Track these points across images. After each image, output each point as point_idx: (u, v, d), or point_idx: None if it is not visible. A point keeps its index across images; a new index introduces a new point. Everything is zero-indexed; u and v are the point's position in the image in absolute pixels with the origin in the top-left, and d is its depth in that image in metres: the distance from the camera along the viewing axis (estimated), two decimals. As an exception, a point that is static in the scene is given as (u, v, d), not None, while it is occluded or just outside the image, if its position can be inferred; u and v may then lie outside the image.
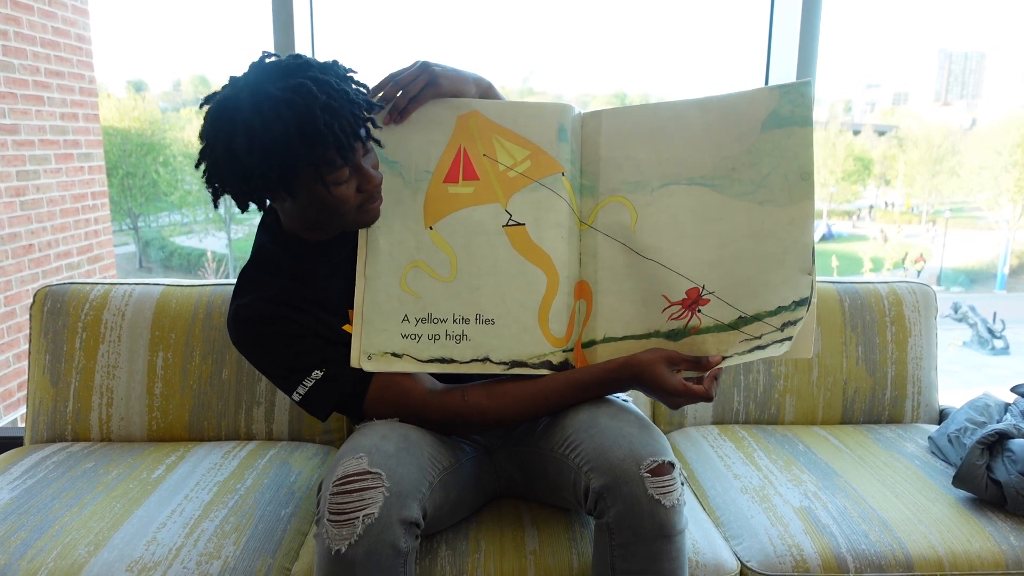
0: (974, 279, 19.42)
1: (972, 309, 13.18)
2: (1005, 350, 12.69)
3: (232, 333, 1.09)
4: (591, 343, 1.09)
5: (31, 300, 1.52)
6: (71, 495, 1.22)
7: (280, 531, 1.15)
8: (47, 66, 3.76)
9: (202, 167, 0.99)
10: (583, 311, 1.10)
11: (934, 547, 1.10)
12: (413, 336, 1.07)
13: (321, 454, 1.43)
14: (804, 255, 1.03)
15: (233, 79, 0.98)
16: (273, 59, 0.98)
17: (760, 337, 1.03)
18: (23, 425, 1.56)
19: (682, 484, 0.96)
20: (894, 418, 1.59)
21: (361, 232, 1.08)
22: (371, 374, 1.07)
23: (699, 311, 1.05)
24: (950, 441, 1.35)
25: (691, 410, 1.58)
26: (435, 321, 1.07)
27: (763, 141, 1.04)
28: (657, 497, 0.92)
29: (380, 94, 1.07)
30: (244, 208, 1.02)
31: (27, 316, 2.24)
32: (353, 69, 1.03)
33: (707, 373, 1.03)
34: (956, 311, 13.26)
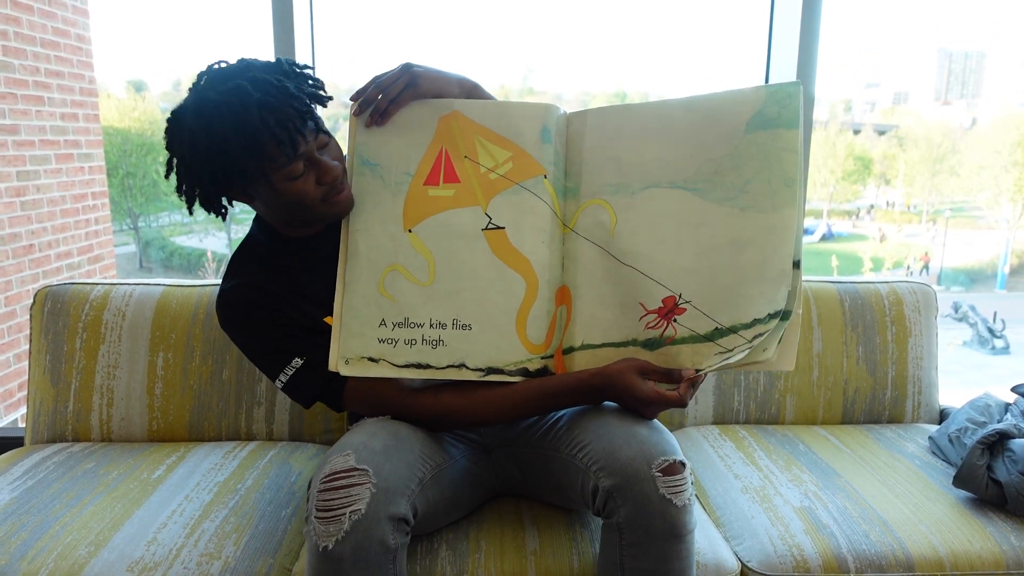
0: (974, 279, 19.42)
1: (972, 309, 13.18)
2: (1005, 350, 12.69)
3: (219, 315, 1.12)
4: (570, 350, 1.07)
5: (31, 300, 1.52)
6: (71, 495, 1.22)
7: (281, 531, 1.15)
8: (47, 66, 3.76)
9: (172, 176, 1.03)
10: (564, 317, 1.08)
11: (935, 547, 1.10)
12: (390, 341, 1.05)
13: (321, 454, 1.43)
14: (783, 266, 0.99)
15: (189, 89, 1.01)
16: (222, 65, 1.01)
17: (732, 350, 1.00)
18: (23, 425, 1.56)
19: (692, 484, 0.97)
20: (894, 418, 1.59)
21: (343, 236, 1.07)
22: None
23: (675, 320, 1.02)
24: (951, 441, 1.35)
25: (691, 410, 1.58)
26: (412, 326, 1.06)
27: (747, 143, 1.01)
28: (669, 497, 0.92)
29: (361, 98, 1.07)
30: (216, 211, 1.06)
31: (27, 316, 2.23)
32: (306, 65, 1.05)
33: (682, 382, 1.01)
34: (956, 311, 13.26)
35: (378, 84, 1.07)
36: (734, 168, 1.02)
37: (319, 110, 1.06)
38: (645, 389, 0.99)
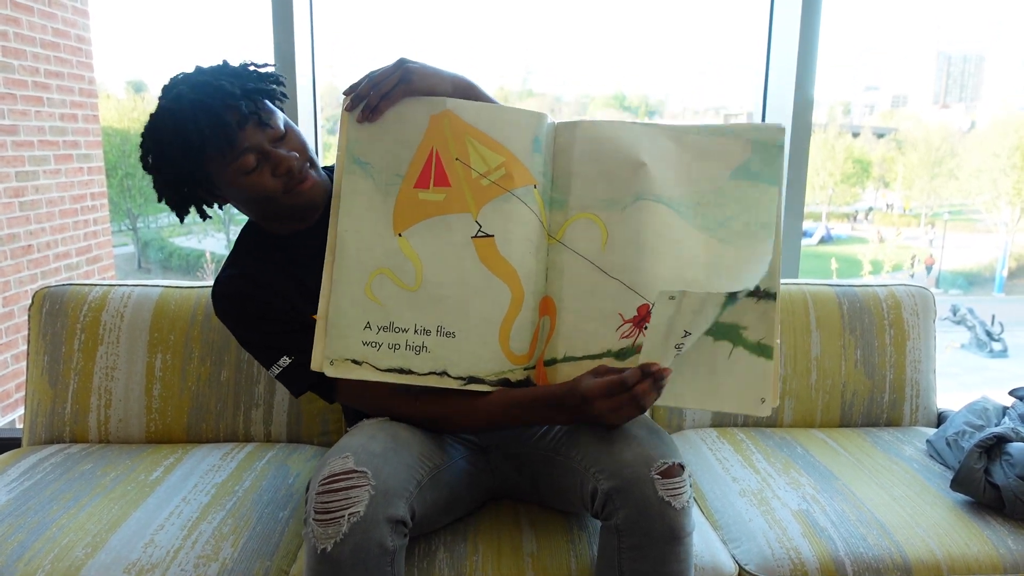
0: (972, 282, 19.43)
1: (971, 311, 13.18)
2: (1003, 353, 12.69)
3: (214, 305, 1.14)
4: (552, 361, 1.07)
5: (30, 301, 1.52)
6: (69, 497, 1.21)
7: (278, 533, 1.15)
8: (47, 67, 3.76)
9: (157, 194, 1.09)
10: (547, 328, 1.07)
11: (932, 551, 1.10)
12: (373, 344, 1.04)
13: (319, 456, 1.43)
14: (747, 286, 1.00)
15: None
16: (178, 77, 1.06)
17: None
18: (21, 426, 1.56)
19: (691, 486, 0.97)
20: (892, 421, 1.59)
21: (330, 234, 1.05)
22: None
23: (645, 327, 1.02)
24: (948, 444, 1.35)
25: (690, 413, 1.58)
26: (396, 330, 1.04)
27: (731, 187, 1.06)
28: (668, 499, 0.92)
29: (354, 93, 1.05)
30: (200, 215, 1.11)
31: (26, 317, 2.23)
32: (260, 64, 1.08)
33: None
34: (955, 313, 13.25)
35: (371, 79, 1.06)
36: (716, 204, 1.06)
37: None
38: (591, 384, 0.96)
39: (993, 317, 13.10)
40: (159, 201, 1.09)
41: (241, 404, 1.47)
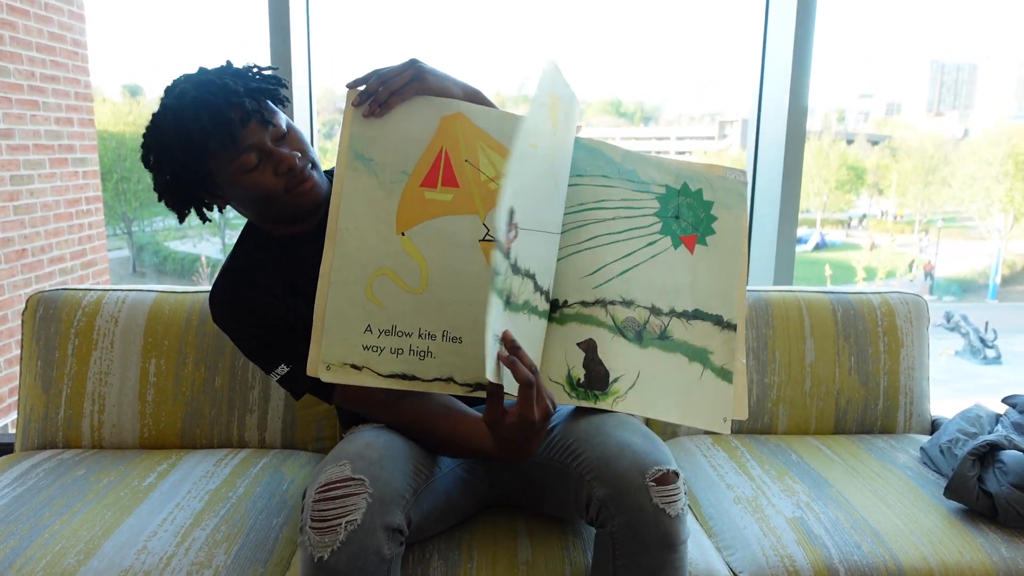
0: (966, 288, 19.51)
1: (964, 318, 13.22)
2: (997, 360, 12.73)
3: (211, 311, 1.14)
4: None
5: (23, 306, 1.51)
6: (61, 503, 1.21)
7: (272, 540, 1.14)
8: (42, 71, 3.75)
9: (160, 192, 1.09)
10: None
11: (925, 558, 1.11)
12: (375, 348, 1.01)
13: (313, 462, 1.43)
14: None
15: None
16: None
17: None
18: (14, 432, 1.55)
19: (685, 494, 0.97)
20: (886, 428, 1.59)
21: (328, 233, 1.02)
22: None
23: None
24: (942, 452, 1.35)
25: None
26: (399, 334, 1.02)
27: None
28: (662, 506, 0.92)
29: (361, 87, 1.04)
30: (200, 217, 1.12)
31: (19, 322, 2.22)
32: (265, 67, 1.09)
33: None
34: (948, 320, 13.30)
35: (380, 75, 1.04)
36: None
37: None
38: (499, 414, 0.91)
39: (987, 324, 13.15)
40: (159, 200, 1.08)
41: (235, 410, 1.47)
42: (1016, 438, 1.25)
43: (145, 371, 1.45)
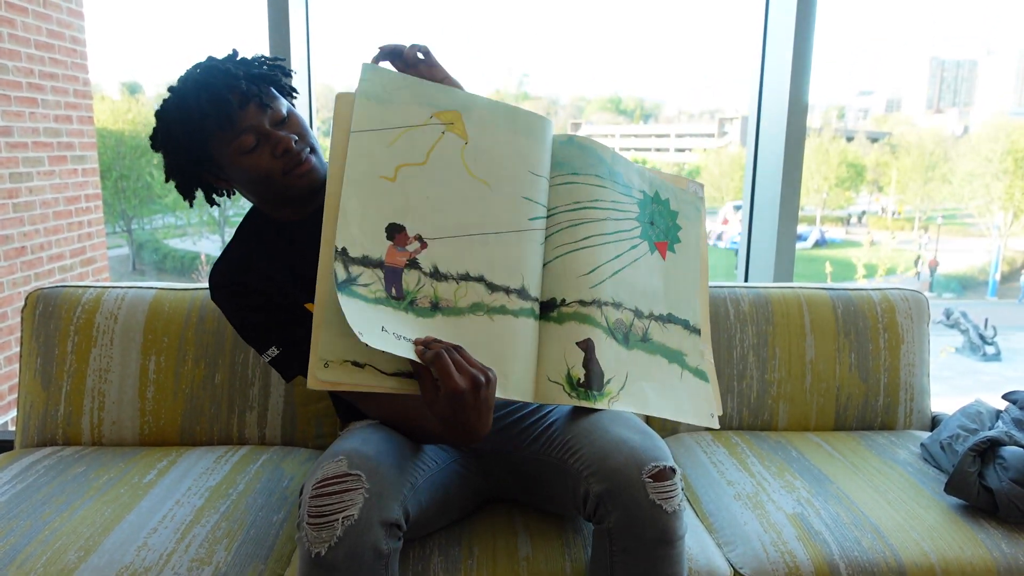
0: (966, 285, 19.52)
1: (964, 315, 13.24)
2: (996, 356, 12.76)
3: (210, 289, 1.17)
4: None
5: (23, 303, 1.51)
6: (61, 500, 1.21)
7: (272, 537, 1.14)
8: (41, 68, 3.75)
9: (167, 180, 1.14)
10: None
11: (926, 554, 1.11)
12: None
13: (313, 459, 1.43)
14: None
15: None
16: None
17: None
18: (13, 429, 1.55)
19: (683, 489, 0.97)
20: (887, 424, 1.59)
21: (327, 218, 0.96)
22: None
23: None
24: (942, 448, 1.35)
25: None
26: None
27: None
28: (659, 502, 0.92)
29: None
30: (207, 200, 1.16)
31: (19, 319, 2.22)
32: (270, 57, 1.13)
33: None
34: (948, 317, 13.31)
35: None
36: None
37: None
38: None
39: (986, 321, 13.16)
40: (167, 181, 1.12)
41: (235, 407, 1.47)
42: (1017, 434, 1.25)
43: (145, 368, 1.45)
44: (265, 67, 1.10)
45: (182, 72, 1.10)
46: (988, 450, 1.22)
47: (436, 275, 0.98)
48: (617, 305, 1.10)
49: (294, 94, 1.16)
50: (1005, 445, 1.22)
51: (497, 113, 1.06)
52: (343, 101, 0.99)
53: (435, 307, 0.97)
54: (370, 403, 1.09)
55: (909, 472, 1.35)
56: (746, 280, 2.14)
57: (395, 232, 0.96)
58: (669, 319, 1.18)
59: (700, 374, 1.19)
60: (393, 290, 0.96)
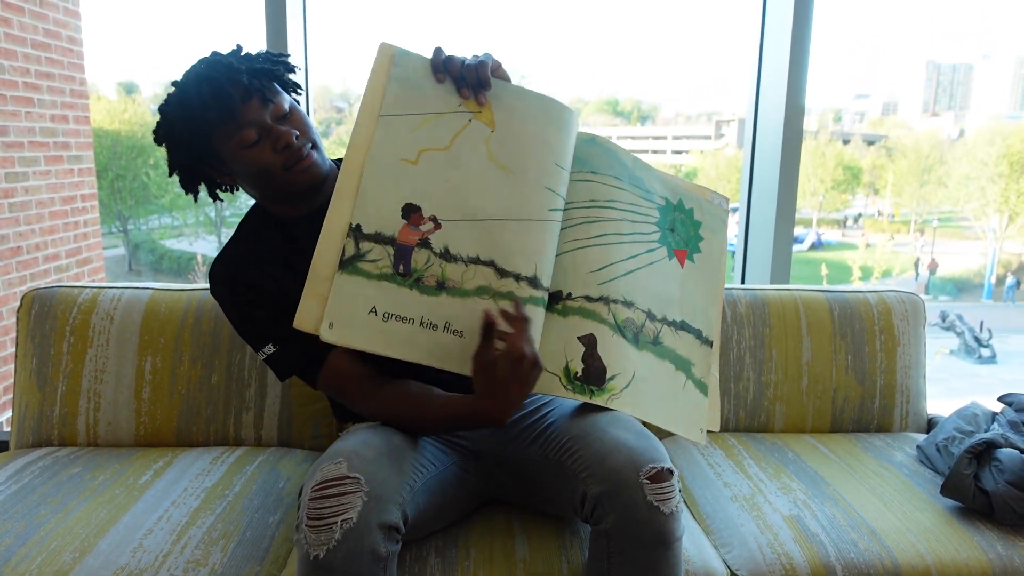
0: (961, 288, 19.57)
1: (959, 318, 13.27)
2: (992, 359, 12.78)
3: (210, 285, 1.16)
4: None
5: (18, 303, 1.50)
6: (56, 501, 1.20)
7: (268, 538, 1.14)
8: (37, 68, 3.73)
9: (165, 181, 1.10)
10: None
11: (922, 556, 1.11)
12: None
13: (310, 460, 1.42)
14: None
15: None
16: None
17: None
18: (8, 429, 1.54)
19: (680, 491, 0.97)
20: (883, 427, 1.60)
21: (344, 189, 0.99)
22: (325, 356, 1.07)
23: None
24: (938, 450, 1.36)
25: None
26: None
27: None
28: (656, 504, 0.92)
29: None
30: (211, 195, 1.16)
31: (14, 319, 2.22)
32: (268, 51, 1.13)
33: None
34: (944, 320, 13.34)
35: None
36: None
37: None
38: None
39: (982, 323, 13.20)
40: (170, 175, 1.12)
41: (231, 407, 1.47)
42: (1012, 436, 1.25)
43: (141, 369, 1.45)
44: (268, 62, 1.10)
45: (185, 68, 1.10)
46: (984, 452, 1.22)
47: (446, 256, 1.00)
48: (629, 304, 1.11)
49: (298, 90, 1.16)
50: (1001, 447, 1.22)
51: (529, 102, 1.08)
52: (383, 52, 1.04)
53: (440, 286, 1.00)
54: (367, 404, 1.08)
55: (905, 474, 1.35)
56: (743, 282, 2.14)
57: (411, 212, 1.00)
58: (683, 326, 1.17)
59: (702, 387, 1.18)
60: (401, 267, 0.99)
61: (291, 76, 1.14)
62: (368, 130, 1.01)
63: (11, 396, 1.51)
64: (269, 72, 1.09)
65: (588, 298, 1.08)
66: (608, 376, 1.06)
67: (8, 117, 3.50)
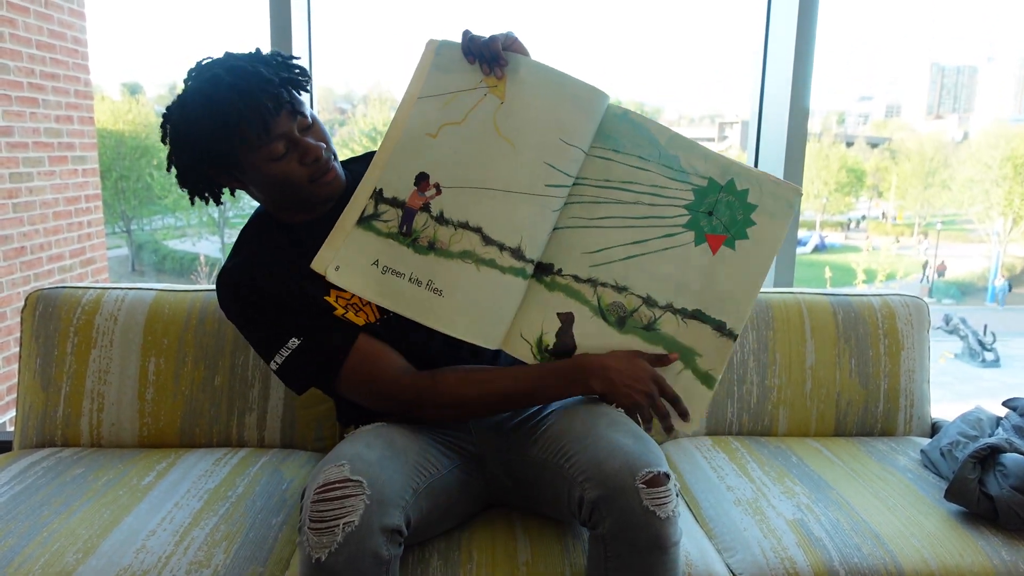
0: (965, 291, 19.53)
1: (963, 321, 13.25)
2: (995, 362, 12.75)
3: (218, 295, 1.14)
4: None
5: (23, 303, 1.51)
6: (60, 501, 1.20)
7: (271, 540, 1.14)
8: (42, 68, 3.75)
9: (173, 171, 1.10)
10: None
11: (926, 561, 1.11)
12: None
13: (313, 462, 1.42)
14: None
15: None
16: (207, 60, 1.08)
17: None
18: (12, 429, 1.55)
19: (677, 495, 0.96)
20: (887, 431, 1.59)
21: (379, 160, 1.08)
22: (349, 345, 1.08)
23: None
24: (942, 455, 1.35)
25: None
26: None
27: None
28: (652, 508, 0.92)
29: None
30: (214, 200, 1.13)
31: (18, 319, 2.22)
32: (288, 56, 1.10)
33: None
34: (947, 323, 13.32)
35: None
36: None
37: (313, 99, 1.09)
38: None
39: (985, 327, 13.16)
40: (168, 171, 1.09)
41: (235, 409, 1.47)
42: (1017, 441, 1.25)
43: (144, 369, 1.45)
44: (290, 69, 1.08)
45: (199, 69, 1.06)
46: (988, 457, 1.22)
47: (440, 219, 1.09)
48: (621, 289, 1.12)
49: (308, 90, 1.14)
50: (1005, 452, 1.21)
51: (543, 76, 1.09)
52: (429, 46, 1.10)
53: (431, 247, 1.09)
54: (399, 389, 1.09)
55: (909, 478, 1.35)
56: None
57: (421, 179, 1.09)
58: (695, 315, 1.13)
59: (706, 379, 1.14)
60: (404, 227, 1.09)
61: (307, 81, 1.11)
62: (406, 111, 1.09)
63: (15, 396, 1.51)
64: (293, 81, 1.07)
65: (576, 278, 1.13)
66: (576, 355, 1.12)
67: (13, 117, 3.51)
